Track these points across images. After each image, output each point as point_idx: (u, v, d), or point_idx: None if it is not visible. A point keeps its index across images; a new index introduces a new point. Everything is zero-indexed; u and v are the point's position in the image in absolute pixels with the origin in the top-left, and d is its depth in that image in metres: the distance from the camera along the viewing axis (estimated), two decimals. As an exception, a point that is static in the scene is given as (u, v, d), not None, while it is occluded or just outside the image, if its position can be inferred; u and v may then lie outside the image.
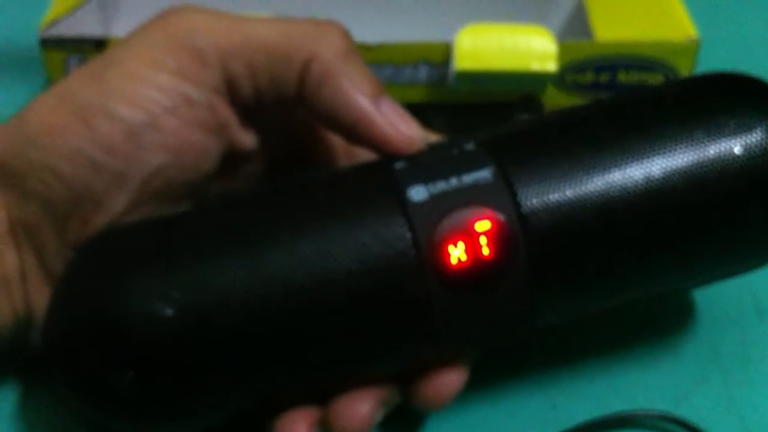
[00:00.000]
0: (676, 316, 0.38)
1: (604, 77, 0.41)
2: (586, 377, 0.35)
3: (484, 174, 0.28)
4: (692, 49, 0.40)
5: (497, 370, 0.35)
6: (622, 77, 0.41)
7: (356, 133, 0.30)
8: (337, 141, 0.35)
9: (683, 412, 0.33)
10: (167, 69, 0.30)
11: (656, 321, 0.37)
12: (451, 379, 0.30)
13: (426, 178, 0.28)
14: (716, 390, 0.35)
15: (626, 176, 0.28)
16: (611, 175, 0.28)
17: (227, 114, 0.31)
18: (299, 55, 0.30)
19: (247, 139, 0.32)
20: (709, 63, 0.45)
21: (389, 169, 0.29)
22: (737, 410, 0.34)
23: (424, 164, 0.29)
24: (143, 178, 0.30)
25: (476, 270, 0.27)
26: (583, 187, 0.28)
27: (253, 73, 0.31)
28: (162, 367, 0.27)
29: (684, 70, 0.41)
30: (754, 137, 0.29)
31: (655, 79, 0.41)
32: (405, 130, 0.30)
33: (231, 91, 0.31)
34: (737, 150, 0.29)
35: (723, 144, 0.29)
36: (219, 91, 0.31)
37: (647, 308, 0.37)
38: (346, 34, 0.31)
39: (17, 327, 0.32)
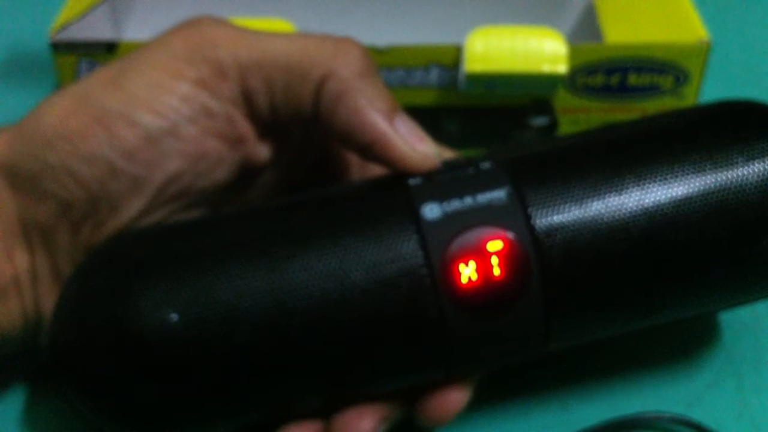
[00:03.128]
0: (690, 319, 0.37)
1: (614, 80, 0.41)
2: (598, 380, 0.35)
3: (499, 194, 0.28)
4: (703, 51, 0.40)
5: (509, 372, 0.34)
6: (633, 80, 0.41)
7: (372, 151, 0.30)
8: (351, 155, 0.35)
9: (696, 415, 0.33)
10: (188, 79, 0.30)
11: (670, 324, 0.37)
12: (454, 398, 0.30)
13: (440, 197, 0.28)
14: (729, 394, 0.35)
15: (641, 203, 0.28)
16: (626, 201, 0.28)
17: (245, 127, 0.31)
18: (316, 72, 0.30)
19: (263, 152, 0.32)
20: (721, 65, 0.45)
21: (404, 186, 0.29)
22: (750, 414, 0.34)
23: (440, 182, 0.29)
24: (160, 184, 0.30)
25: (487, 290, 0.27)
26: (598, 212, 0.28)
27: (270, 89, 0.31)
28: (169, 374, 0.27)
29: (695, 73, 0.40)
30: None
31: (666, 81, 0.41)
32: (421, 149, 0.30)
33: (248, 104, 0.31)
34: (753, 178, 0.29)
35: (739, 172, 0.29)
36: (237, 104, 0.31)
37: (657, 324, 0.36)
38: (363, 53, 0.31)
39: (27, 329, 0.32)
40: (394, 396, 0.30)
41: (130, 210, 0.31)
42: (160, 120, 0.30)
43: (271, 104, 0.31)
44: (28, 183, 0.30)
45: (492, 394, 0.34)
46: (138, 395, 0.27)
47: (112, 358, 0.27)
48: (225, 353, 0.27)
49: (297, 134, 0.33)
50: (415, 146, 0.30)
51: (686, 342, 0.37)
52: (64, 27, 0.40)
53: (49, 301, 0.31)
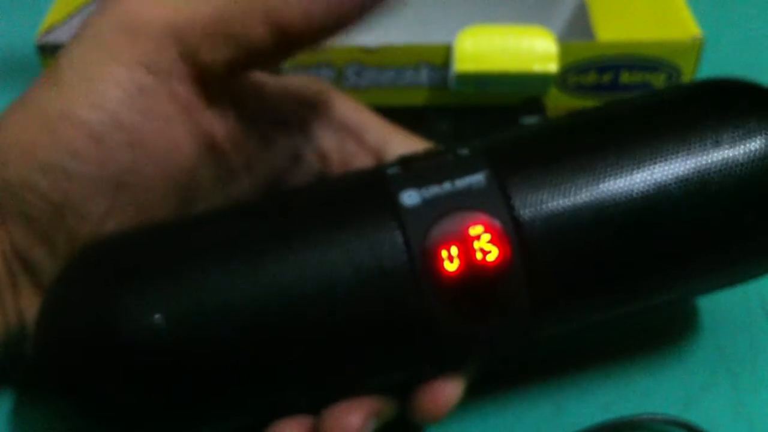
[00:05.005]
0: (684, 318, 0.37)
1: (606, 78, 0.41)
2: (591, 381, 0.35)
3: (478, 178, 0.28)
4: (696, 48, 0.40)
5: (502, 373, 0.34)
6: (625, 78, 0.41)
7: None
8: (331, 150, 0.35)
9: (691, 416, 0.33)
10: (119, 61, 0.29)
11: (663, 323, 0.37)
12: (447, 392, 0.29)
13: (419, 183, 0.28)
14: (725, 394, 0.35)
15: (624, 183, 0.28)
16: (608, 182, 0.28)
17: (188, 95, 0.30)
18: (256, 9, 0.29)
19: (217, 122, 0.31)
20: (714, 62, 0.44)
21: (382, 175, 0.29)
22: (746, 414, 0.34)
23: (418, 169, 0.29)
24: (118, 180, 0.30)
25: (470, 275, 0.27)
26: (578, 193, 0.28)
27: (213, 41, 0.29)
28: (156, 378, 0.27)
29: (688, 70, 0.40)
30: (755, 144, 0.28)
31: (659, 79, 0.41)
32: None
33: (193, 65, 0.30)
34: (738, 157, 0.28)
35: (723, 151, 0.28)
36: (177, 71, 0.30)
37: (654, 311, 0.36)
38: None
39: (9, 339, 0.31)
40: (386, 390, 0.30)
41: (96, 213, 0.30)
42: (99, 113, 0.29)
43: (220, 54, 0.30)
44: (1, 203, 0.30)
45: (485, 396, 0.34)
46: (124, 400, 0.27)
47: (97, 364, 0.27)
48: (211, 355, 0.27)
49: (260, 108, 0.33)
50: None
51: (681, 342, 0.36)
52: (50, 29, 0.40)
53: (32, 311, 0.31)
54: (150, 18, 0.29)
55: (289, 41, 0.30)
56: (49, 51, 0.40)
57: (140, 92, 0.29)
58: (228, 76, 0.31)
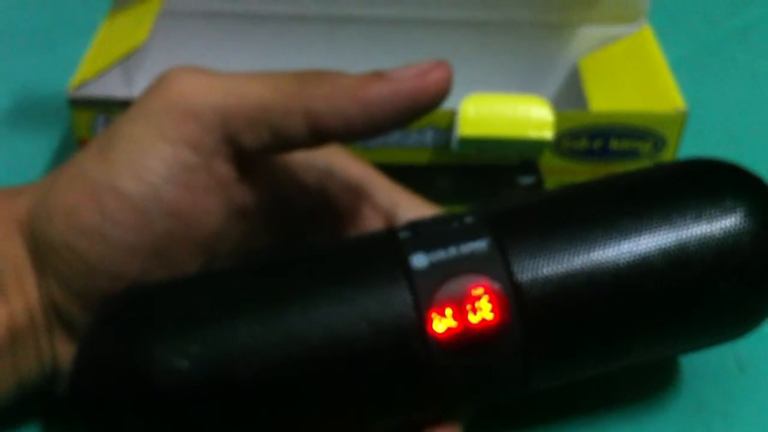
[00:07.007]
0: (661, 370, 0.40)
1: (597, 144, 0.43)
2: (579, 429, 0.37)
3: (480, 245, 0.31)
4: (680, 119, 0.43)
5: (488, 424, 0.36)
6: (615, 144, 0.43)
7: (401, 114, 0.31)
8: (345, 211, 0.37)
9: (668, 463, 0.35)
10: (166, 138, 0.31)
11: (642, 375, 0.39)
12: None
13: (427, 247, 0.31)
14: (699, 442, 0.37)
15: (612, 254, 0.30)
16: (598, 252, 0.30)
17: (224, 171, 0.33)
18: (297, 107, 0.31)
19: (246, 194, 0.34)
20: (697, 130, 0.47)
21: (395, 239, 0.32)
22: (719, 462, 0.36)
23: (427, 234, 0.32)
24: (152, 246, 0.32)
25: (471, 332, 0.30)
26: (571, 261, 0.30)
27: (255, 129, 0.32)
28: (179, 418, 0.29)
29: (672, 139, 0.43)
30: (731, 220, 0.31)
31: (645, 146, 0.43)
32: (430, 73, 0.31)
33: (232, 146, 0.32)
34: (716, 232, 0.31)
35: (703, 226, 0.31)
36: (218, 151, 0.32)
37: (637, 366, 0.38)
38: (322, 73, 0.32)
39: (43, 380, 0.34)
40: None
41: (129, 274, 0.32)
42: (143, 187, 0.31)
43: (259, 142, 0.32)
44: (39, 258, 0.33)
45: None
46: None
47: (125, 404, 0.29)
48: (231, 395, 0.29)
49: (284, 177, 0.35)
50: (426, 74, 0.31)
51: (657, 392, 0.39)
52: (82, 84, 0.43)
53: (65, 357, 0.33)
54: (199, 102, 0.31)
55: (325, 138, 0.32)
56: (80, 104, 0.42)
57: (183, 169, 0.32)
58: (262, 156, 0.33)
